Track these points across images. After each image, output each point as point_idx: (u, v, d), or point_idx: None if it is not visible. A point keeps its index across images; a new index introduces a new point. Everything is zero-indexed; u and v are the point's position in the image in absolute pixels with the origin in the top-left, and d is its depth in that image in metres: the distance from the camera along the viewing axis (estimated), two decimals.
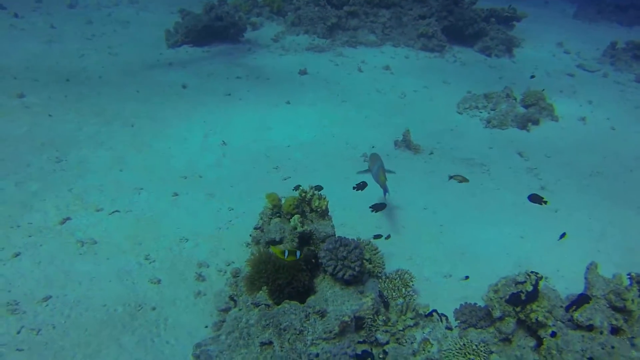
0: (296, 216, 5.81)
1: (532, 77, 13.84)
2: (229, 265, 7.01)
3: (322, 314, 5.43)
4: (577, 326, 5.34)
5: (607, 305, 5.40)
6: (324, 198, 5.98)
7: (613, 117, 13.55)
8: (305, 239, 5.98)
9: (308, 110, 12.12)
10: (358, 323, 5.55)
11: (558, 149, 11.34)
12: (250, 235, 6.50)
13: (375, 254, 6.25)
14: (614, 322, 5.33)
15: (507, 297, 5.13)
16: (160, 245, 7.11)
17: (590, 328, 5.27)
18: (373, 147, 10.67)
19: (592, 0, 28.00)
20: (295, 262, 5.75)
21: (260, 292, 5.69)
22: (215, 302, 6.36)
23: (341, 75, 14.71)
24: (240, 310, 5.81)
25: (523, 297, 5.03)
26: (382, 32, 17.64)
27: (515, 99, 12.82)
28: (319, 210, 5.96)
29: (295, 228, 5.80)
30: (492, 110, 12.50)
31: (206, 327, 6.12)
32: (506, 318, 5.23)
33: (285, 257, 5.23)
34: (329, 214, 6.22)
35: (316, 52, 16.01)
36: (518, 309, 5.13)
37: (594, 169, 10.61)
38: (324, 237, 5.92)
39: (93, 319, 5.90)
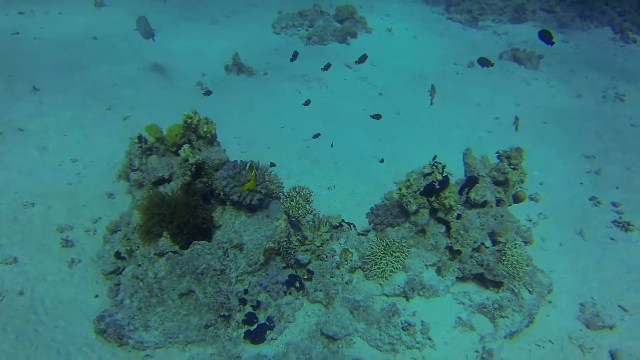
0: (186, 146, 5.05)
1: None
2: (95, 222, 5.94)
3: (240, 247, 4.95)
4: (472, 205, 5.77)
5: (491, 182, 5.91)
6: (212, 122, 5.28)
7: (410, 28, 14.62)
8: (197, 171, 5.28)
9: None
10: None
11: (379, 57, 11.84)
12: (123, 179, 5.52)
13: (270, 174, 5.84)
14: (497, 195, 5.88)
15: (422, 189, 5.26)
16: (0, 217, 5.67)
17: (483, 204, 5.73)
18: (204, 74, 9.97)
19: None
20: (190, 199, 5.09)
21: (162, 239, 4.92)
22: (97, 266, 5.36)
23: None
24: (139, 265, 4.99)
25: (437, 185, 5.20)
26: None
27: (329, 15, 12.97)
28: (208, 136, 5.26)
29: (187, 160, 5.06)
30: (309, 27, 12.48)
31: (96, 296, 5.15)
32: (420, 210, 5.39)
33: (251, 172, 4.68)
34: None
35: None
36: (432, 198, 5.30)
37: (415, 73, 11.42)
38: (217, 164, 5.29)
39: None
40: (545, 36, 6.10)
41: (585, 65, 12.28)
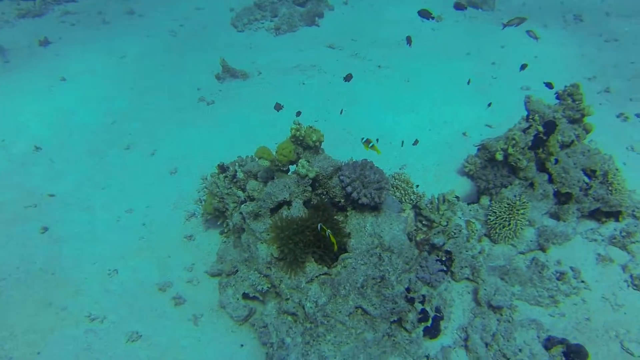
0: (302, 161, 4.68)
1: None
2: (191, 270, 5.40)
3: (390, 249, 4.69)
4: (561, 147, 5.85)
5: (567, 121, 6.01)
6: (317, 129, 4.88)
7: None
8: (312, 184, 4.92)
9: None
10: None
11: (356, 32, 11.51)
12: (229, 224, 5.03)
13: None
14: (576, 132, 6.01)
15: (530, 144, 5.24)
16: (93, 295, 4.98)
17: (570, 144, 5.83)
18: (199, 89, 9.30)
19: None
20: (329, 214, 4.71)
21: (308, 265, 4.55)
22: (224, 314, 4.91)
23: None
24: (287, 299, 4.59)
25: (543, 136, 5.21)
26: None
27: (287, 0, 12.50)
28: (317, 144, 4.87)
29: (307, 175, 4.69)
30: (274, 17, 11.97)
31: (242, 345, 4.71)
32: (529, 164, 5.38)
33: None
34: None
35: None
36: (540, 150, 5.31)
37: (396, 39, 11.17)
38: (330, 172, 4.93)
39: None
40: (424, 14, 6.52)
41: None
